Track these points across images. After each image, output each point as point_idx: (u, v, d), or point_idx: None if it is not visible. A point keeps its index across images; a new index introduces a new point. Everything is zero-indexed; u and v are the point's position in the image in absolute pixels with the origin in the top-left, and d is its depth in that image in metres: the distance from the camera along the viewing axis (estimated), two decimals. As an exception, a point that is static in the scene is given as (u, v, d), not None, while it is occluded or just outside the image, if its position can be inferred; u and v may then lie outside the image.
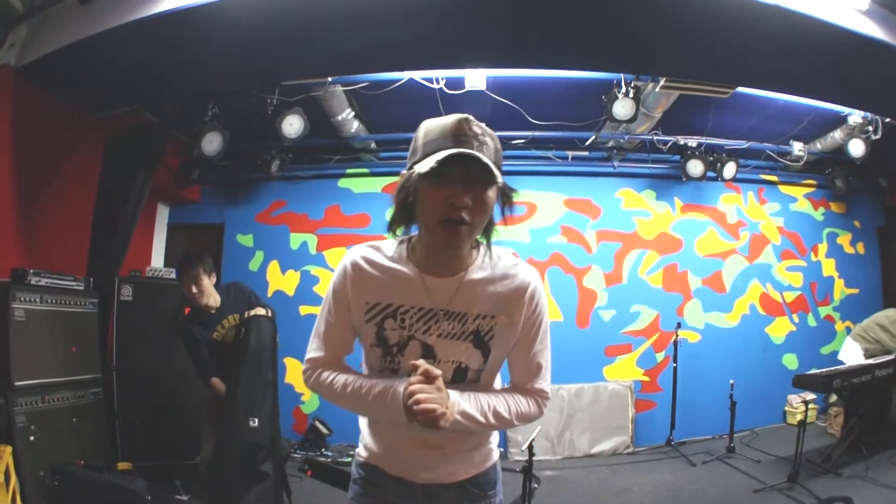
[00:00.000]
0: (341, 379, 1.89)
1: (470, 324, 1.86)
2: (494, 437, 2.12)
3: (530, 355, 1.98)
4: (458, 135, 1.68)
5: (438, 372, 1.71)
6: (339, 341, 1.96)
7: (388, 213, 1.87)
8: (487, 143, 1.70)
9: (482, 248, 1.92)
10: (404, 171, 1.82)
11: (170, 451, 5.82)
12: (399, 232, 1.89)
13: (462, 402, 1.79)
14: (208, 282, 4.98)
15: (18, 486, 4.25)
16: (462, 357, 1.88)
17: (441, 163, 1.63)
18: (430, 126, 1.77)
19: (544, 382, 2.02)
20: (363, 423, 2.09)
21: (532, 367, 1.99)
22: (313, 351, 1.99)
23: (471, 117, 1.73)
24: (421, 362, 1.71)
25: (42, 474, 4.57)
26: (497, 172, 1.69)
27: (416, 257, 1.88)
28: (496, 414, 1.87)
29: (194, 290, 4.91)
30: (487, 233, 1.87)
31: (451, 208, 1.67)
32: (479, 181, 1.68)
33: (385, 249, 1.92)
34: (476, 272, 1.88)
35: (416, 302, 1.86)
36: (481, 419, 1.83)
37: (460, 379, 1.90)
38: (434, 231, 1.73)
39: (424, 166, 1.65)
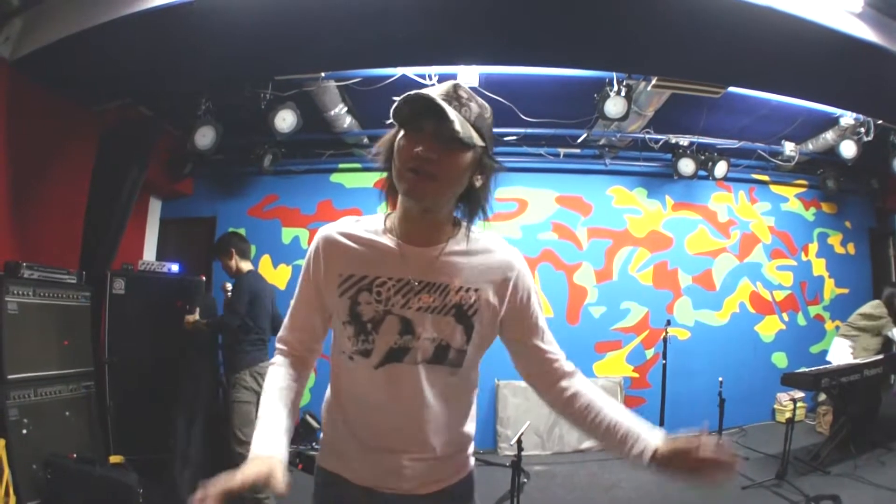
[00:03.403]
0: (270, 391, 1.84)
1: (452, 296, 1.77)
2: (471, 446, 2.01)
3: (545, 339, 1.93)
4: (443, 94, 1.67)
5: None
6: (303, 323, 1.92)
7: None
8: (471, 108, 1.68)
9: (463, 225, 1.86)
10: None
11: (162, 444, 5.82)
12: (384, 208, 1.88)
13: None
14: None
15: (11, 479, 4.27)
16: (444, 333, 1.76)
17: (415, 116, 1.64)
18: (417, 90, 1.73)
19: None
20: (325, 423, 1.98)
21: (555, 347, 1.95)
22: (281, 329, 1.97)
23: (462, 84, 1.72)
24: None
25: (34, 467, 4.58)
26: (470, 134, 1.65)
27: (396, 228, 1.83)
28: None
29: None
30: (471, 210, 1.83)
31: (417, 158, 1.64)
32: (454, 140, 1.63)
33: (365, 222, 1.87)
34: (457, 244, 1.83)
35: (394, 273, 1.78)
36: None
37: (441, 358, 1.78)
38: (402, 179, 1.69)
39: (394, 111, 1.66)
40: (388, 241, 1.81)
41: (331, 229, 1.87)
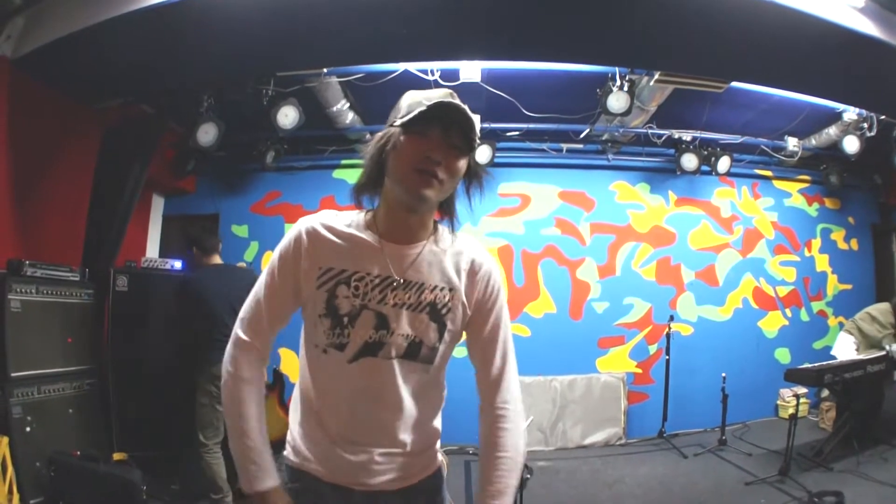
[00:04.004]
0: (250, 404, 1.83)
1: (427, 294, 1.83)
2: (438, 442, 2.05)
3: (497, 353, 1.94)
4: (445, 99, 1.71)
5: None
6: (280, 312, 1.88)
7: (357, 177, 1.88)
8: (475, 119, 1.73)
9: (441, 226, 1.93)
10: (379, 133, 1.83)
11: (165, 441, 5.83)
12: (362, 201, 1.89)
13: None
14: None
15: (14, 477, 4.27)
16: (418, 330, 1.82)
17: (423, 120, 1.68)
18: (416, 93, 1.80)
19: (517, 391, 1.97)
20: (293, 419, 1.98)
21: (498, 369, 1.94)
22: (245, 311, 1.90)
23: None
24: None
25: (38, 465, 4.59)
26: (474, 140, 1.74)
27: (378, 225, 1.86)
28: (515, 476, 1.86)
29: None
30: (450, 211, 1.90)
31: (427, 160, 1.69)
32: (455, 147, 1.72)
33: (345, 216, 1.89)
34: (436, 244, 1.89)
35: (373, 269, 1.81)
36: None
37: (413, 354, 1.83)
38: (406, 178, 1.71)
39: (410, 115, 1.69)
40: (370, 237, 1.85)
41: (313, 221, 1.87)
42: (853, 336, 7.01)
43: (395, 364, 1.80)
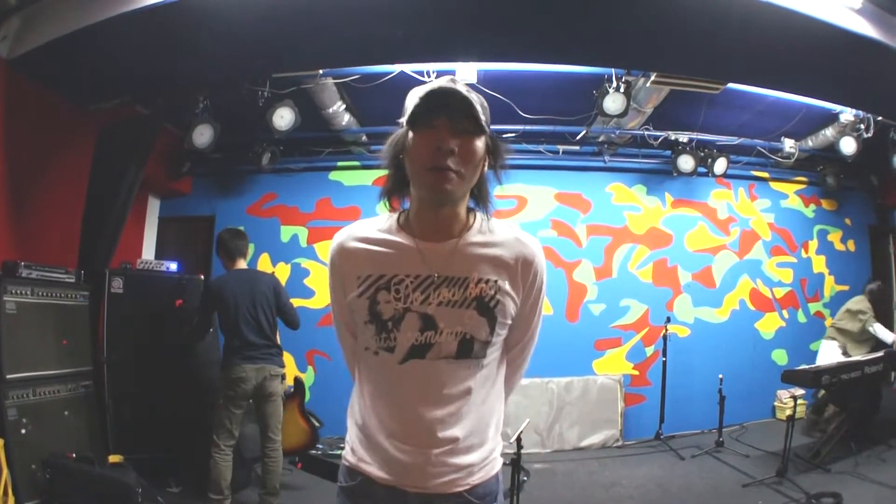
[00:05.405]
0: None
1: (472, 289, 1.75)
2: (499, 445, 1.97)
3: (525, 338, 1.96)
4: (438, 86, 1.68)
5: None
6: (352, 325, 1.90)
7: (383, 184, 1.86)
8: (473, 99, 1.66)
9: (479, 215, 1.86)
10: (391, 137, 1.80)
11: (161, 443, 5.81)
12: (386, 206, 1.86)
13: None
14: None
15: (9, 480, 4.25)
16: (467, 326, 1.74)
17: (426, 112, 1.64)
18: (418, 89, 1.73)
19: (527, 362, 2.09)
20: (351, 421, 1.93)
21: (524, 349, 2.00)
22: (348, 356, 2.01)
23: (458, 79, 1.73)
24: None
25: (33, 467, 4.57)
26: (482, 118, 1.67)
27: (410, 225, 1.82)
28: None
29: None
30: (482, 196, 1.84)
31: (438, 153, 1.63)
32: (465, 131, 1.66)
33: (377, 222, 1.86)
34: (474, 236, 1.81)
35: (412, 270, 1.76)
36: None
37: (466, 352, 1.75)
38: (423, 178, 1.68)
39: (409, 112, 1.66)
40: (404, 238, 1.80)
41: (343, 235, 1.87)
42: (836, 340, 7.05)
43: (445, 364, 1.75)
